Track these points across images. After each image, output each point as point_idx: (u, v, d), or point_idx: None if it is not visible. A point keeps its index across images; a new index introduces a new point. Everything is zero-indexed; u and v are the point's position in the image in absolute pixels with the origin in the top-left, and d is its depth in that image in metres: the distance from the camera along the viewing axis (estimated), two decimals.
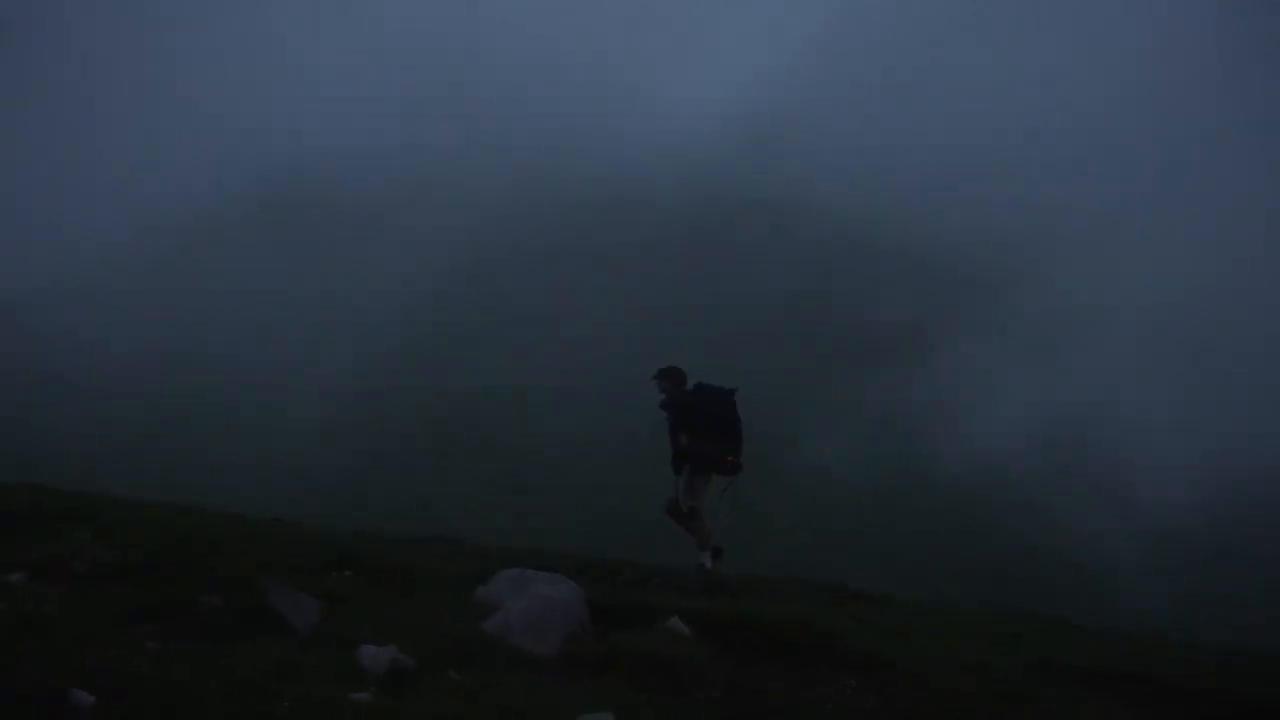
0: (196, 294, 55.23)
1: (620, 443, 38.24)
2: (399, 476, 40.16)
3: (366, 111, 69.77)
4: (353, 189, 63.11)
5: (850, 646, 6.64)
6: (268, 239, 58.37)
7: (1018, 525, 38.78)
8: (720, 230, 59.16)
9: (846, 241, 56.83)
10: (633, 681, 5.81)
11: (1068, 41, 68.37)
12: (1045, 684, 6.26)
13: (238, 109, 70.60)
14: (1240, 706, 6.54)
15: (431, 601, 6.50)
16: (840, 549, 35.40)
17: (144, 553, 6.44)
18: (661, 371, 10.01)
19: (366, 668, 5.34)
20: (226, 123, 69.32)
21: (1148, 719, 6.07)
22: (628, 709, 5.25)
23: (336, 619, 6.05)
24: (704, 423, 9.53)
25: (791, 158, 63.32)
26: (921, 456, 43.16)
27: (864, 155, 61.87)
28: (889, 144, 63.53)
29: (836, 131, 65.04)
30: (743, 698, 5.64)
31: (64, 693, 4.51)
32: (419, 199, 60.38)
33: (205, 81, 70.25)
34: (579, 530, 33.92)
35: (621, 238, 59.66)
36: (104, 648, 5.20)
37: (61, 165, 63.28)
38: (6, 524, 6.78)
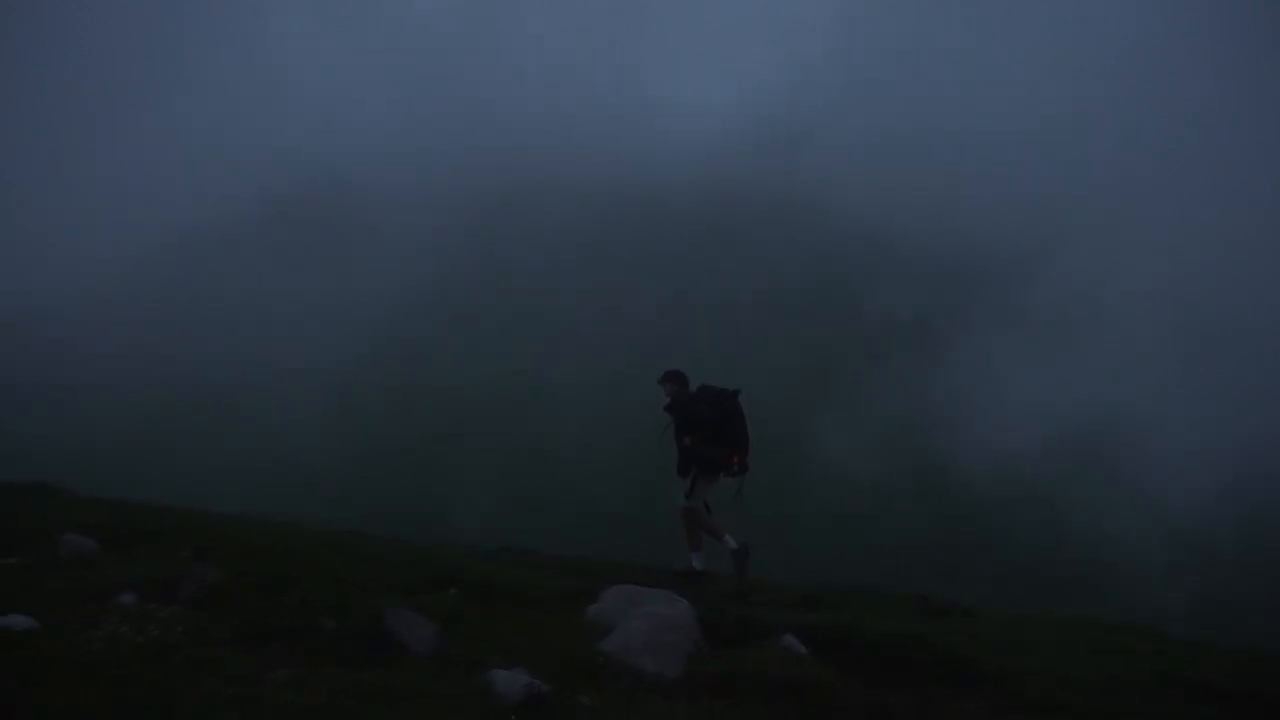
0: (204, 300, 55.24)
1: (631, 443, 38.27)
2: (407, 478, 40.18)
3: (376, 115, 69.70)
4: (362, 192, 63.05)
5: (968, 663, 6.51)
6: (275, 245, 58.32)
7: (1034, 524, 38.49)
8: (733, 229, 58.97)
9: (860, 237, 56.53)
10: (766, 706, 5.69)
11: (1082, 35, 67.96)
12: (1176, 702, 6.11)
13: (241, 115, 70.60)
14: None
15: (543, 619, 6.38)
16: (853, 549, 35.25)
17: (250, 573, 6.32)
18: (666, 375, 9.99)
19: (501, 693, 5.21)
20: (229, 130, 69.30)
21: None
22: None
23: (453, 640, 5.94)
24: (709, 425, 9.47)
25: (806, 156, 63.14)
26: (936, 454, 42.91)
27: (879, 152, 61.63)
28: (903, 140, 63.25)
29: (851, 129, 64.79)
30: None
31: None
32: (431, 202, 60.20)
33: (206, 90, 70.18)
34: (588, 533, 33.91)
35: (634, 237, 59.50)
36: (233, 675, 5.08)
37: (58, 175, 63.25)
38: (107, 544, 6.68)
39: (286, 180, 61.83)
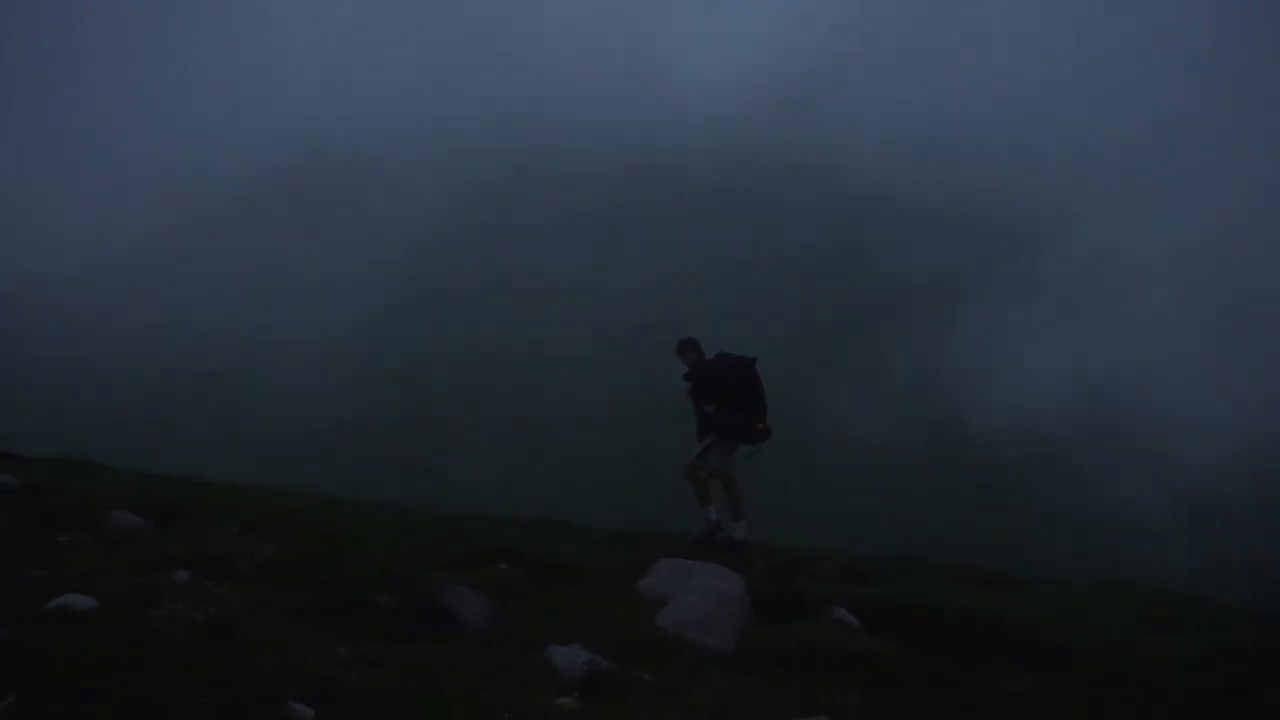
0: (218, 272, 55.23)
1: (646, 410, 38.28)
2: (418, 445, 40.33)
3: (389, 84, 69.12)
4: (375, 162, 62.76)
5: (1021, 634, 6.46)
6: (289, 215, 58.18)
7: (1052, 488, 38.39)
8: (747, 193, 58.61)
9: (877, 202, 56.13)
10: (824, 678, 5.65)
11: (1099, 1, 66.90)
12: (1237, 676, 6.04)
13: (254, 84, 70.13)
14: None
15: (595, 594, 6.35)
16: (871, 515, 35.25)
17: (302, 549, 6.30)
18: (682, 344, 10.02)
19: (561, 670, 5.19)
20: (242, 100, 68.91)
21: None
22: (836, 710, 5.09)
23: (508, 615, 5.92)
24: (728, 390, 9.51)
25: (823, 119, 62.58)
26: (952, 419, 42.81)
27: (894, 117, 61.03)
28: (919, 104, 62.57)
29: (866, 93, 64.09)
30: (946, 694, 5.46)
31: (283, 704, 4.37)
32: (444, 170, 59.92)
33: (219, 61, 69.71)
34: (603, 501, 34.01)
35: (647, 203, 59.20)
36: (297, 651, 5.07)
37: (72, 152, 63.06)
38: (154, 520, 6.66)
39: (300, 150, 61.57)
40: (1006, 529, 35.18)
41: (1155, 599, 8.24)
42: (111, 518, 6.54)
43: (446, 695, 4.73)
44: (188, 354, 47.68)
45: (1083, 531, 35.62)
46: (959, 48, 66.71)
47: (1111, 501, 37.78)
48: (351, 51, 73.15)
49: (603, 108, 66.41)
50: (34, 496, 6.89)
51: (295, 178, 60.48)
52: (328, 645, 5.24)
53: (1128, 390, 42.53)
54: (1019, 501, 37.34)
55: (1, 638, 4.82)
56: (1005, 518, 36.30)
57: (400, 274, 53.82)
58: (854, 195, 56.69)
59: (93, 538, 6.31)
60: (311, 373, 45.48)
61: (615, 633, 5.79)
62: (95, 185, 60.66)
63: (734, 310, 49.32)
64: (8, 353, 46.39)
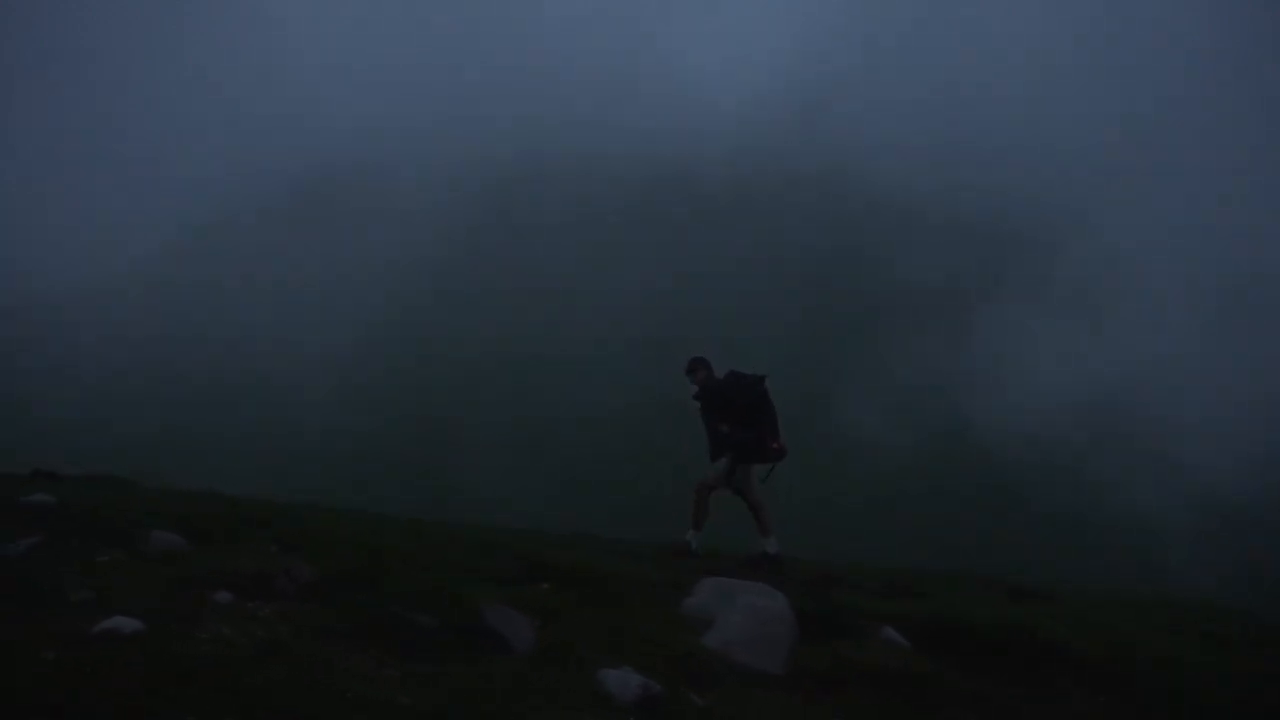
0: (227, 285, 55.31)
1: (654, 411, 38.28)
2: (428, 454, 40.31)
3: (398, 92, 69.25)
4: (384, 170, 62.81)
5: (1070, 652, 6.38)
6: (299, 226, 58.28)
7: (1062, 494, 38.29)
8: (758, 198, 58.57)
9: (883, 205, 56.05)
10: (876, 699, 5.59)
11: (1111, 4, 66.85)
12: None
13: (263, 92, 70.22)
14: None
15: (639, 614, 6.28)
16: (879, 520, 35.19)
17: (342, 568, 6.24)
18: (693, 363, 10.03)
19: (613, 693, 5.12)
20: (253, 112, 69.00)
21: None
22: None
23: (553, 636, 5.85)
24: (737, 408, 9.53)
25: (829, 122, 62.57)
26: (963, 423, 42.72)
27: (904, 120, 61.00)
28: (925, 106, 62.64)
29: (873, 95, 64.14)
30: (1000, 715, 5.39)
31: None
32: (455, 177, 59.95)
33: (224, 69, 69.89)
34: (607, 502, 33.98)
35: (658, 208, 59.23)
36: (348, 674, 5.01)
37: (74, 160, 63.16)
38: (192, 538, 6.60)
39: (306, 158, 61.71)
40: (1014, 533, 35.10)
41: (1198, 613, 8.17)
42: (151, 537, 6.48)
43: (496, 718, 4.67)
44: (192, 363, 47.79)
45: (1091, 536, 35.51)
46: (964, 50, 66.78)
47: (1120, 506, 37.65)
48: (355, 58, 73.39)
49: (607, 111, 66.49)
50: (70, 514, 6.84)
51: (301, 185, 60.55)
52: (376, 667, 5.18)
53: (1136, 394, 42.42)
54: (1027, 506, 37.23)
55: (49, 660, 4.77)
56: (1013, 522, 36.21)
57: (406, 279, 53.89)
58: (859, 198, 56.60)
59: (132, 557, 6.26)
60: (317, 379, 45.55)
61: (662, 654, 5.73)
62: (99, 195, 60.83)
63: (739, 314, 49.36)
64: (9, 366, 46.52)
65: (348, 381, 45.91)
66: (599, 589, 6.55)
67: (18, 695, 4.46)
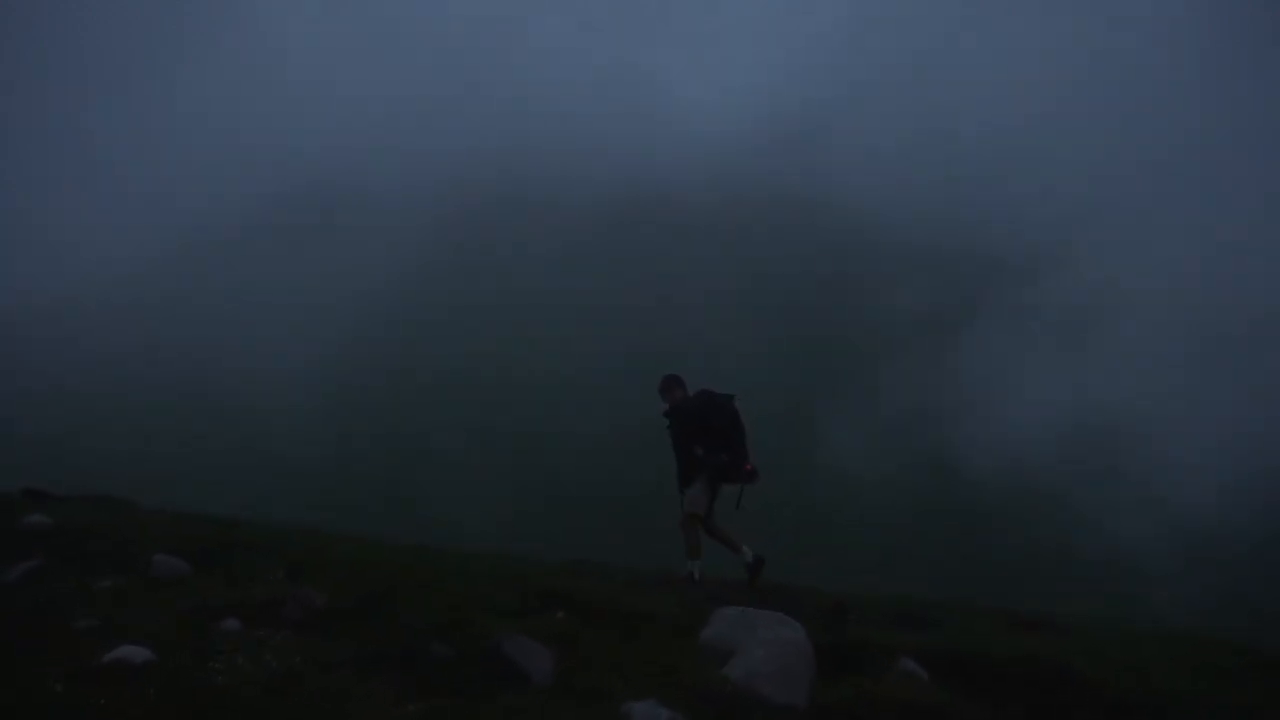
0: (209, 301, 54.94)
1: (632, 436, 38.14)
2: (404, 474, 40.00)
3: (381, 112, 69.26)
4: (367, 190, 62.65)
5: (1089, 684, 6.30)
6: (282, 244, 57.97)
7: (1044, 523, 38.29)
8: (743, 225, 58.73)
9: (869, 233, 56.33)
10: None
11: (1091, 28, 67.73)
12: None
13: (246, 113, 70.05)
14: None
15: (657, 644, 6.16)
16: (858, 549, 35.07)
17: (352, 596, 6.09)
18: (667, 380, 9.79)
19: None
20: (234, 128, 68.79)
21: None
22: None
23: (572, 667, 5.72)
24: (717, 430, 9.34)
25: (816, 152, 62.93)
26: (945, 452, 42.73)
27: (890, 149, 61.46)
28: (915, 138, 63.07)
29: (862, 126, 64.62)
30: None
31: None
32: (442, 200, 59.81)
33: (209, 89, 69.67)
34: (587, 532, 33.76)
35: (642, 233, 59.31)
36: (366, 707, 4.86)
37: (60, 180, 62.76)
38: (199, 563, 6.42)
39: (294, 179, 61.50)
40: (995, 562, 35.04)
41: (1207, 647, 8.11)
42: (154, 561, 6.30)
43: None
44: (165, 381, 47.27)
45: (1072, 565, 35.51)
46: (954, 81, 67.41)
47: (1101, 535, 37.67)
48: (339, 77, 73.32)
49: (590, 136, 66.61)
50: (69, 538, 6.65)
51: (282, 202, 60.31)
52: (396, 701, 5.03)
53: (1118, 424, 42.55)
54: (1007, 535, 37.20)
55: (57, 692, 4.60)
56: (993, 551, 36.14)
57: (384, 297, 53.62)
58: (847, 227, 56.85)
59: (135, 583, 6.08)
60: (291, 397, 45.12)
61: (685, 687, 5.61)
62: (75, 211, 60.35)
63: (719, 339, 49.33)
64: None
65: (322, 399, 45.54)
66: (614, 618, 6.42)
67: None
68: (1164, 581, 34.66)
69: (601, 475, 39.08)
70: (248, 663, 5.13)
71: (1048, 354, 46.57)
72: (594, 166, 62.33)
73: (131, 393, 46.08)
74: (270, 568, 6.57)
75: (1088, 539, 37.26)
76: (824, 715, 5.67)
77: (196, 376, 47.65)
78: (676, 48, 76.86)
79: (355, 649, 5.54)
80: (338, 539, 7.90)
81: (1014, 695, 6.19)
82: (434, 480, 39.49)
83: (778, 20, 77.82)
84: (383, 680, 5.26)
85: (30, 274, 53.84)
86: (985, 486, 40.30)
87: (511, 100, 70.45)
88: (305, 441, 41.86)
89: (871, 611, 8.16)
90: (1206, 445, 39.93)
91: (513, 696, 5.21)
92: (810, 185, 59.80)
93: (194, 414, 45.01)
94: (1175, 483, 39.31)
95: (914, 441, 43.11)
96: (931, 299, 51.32)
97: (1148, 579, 34.96)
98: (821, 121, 66.47)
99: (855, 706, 5.76)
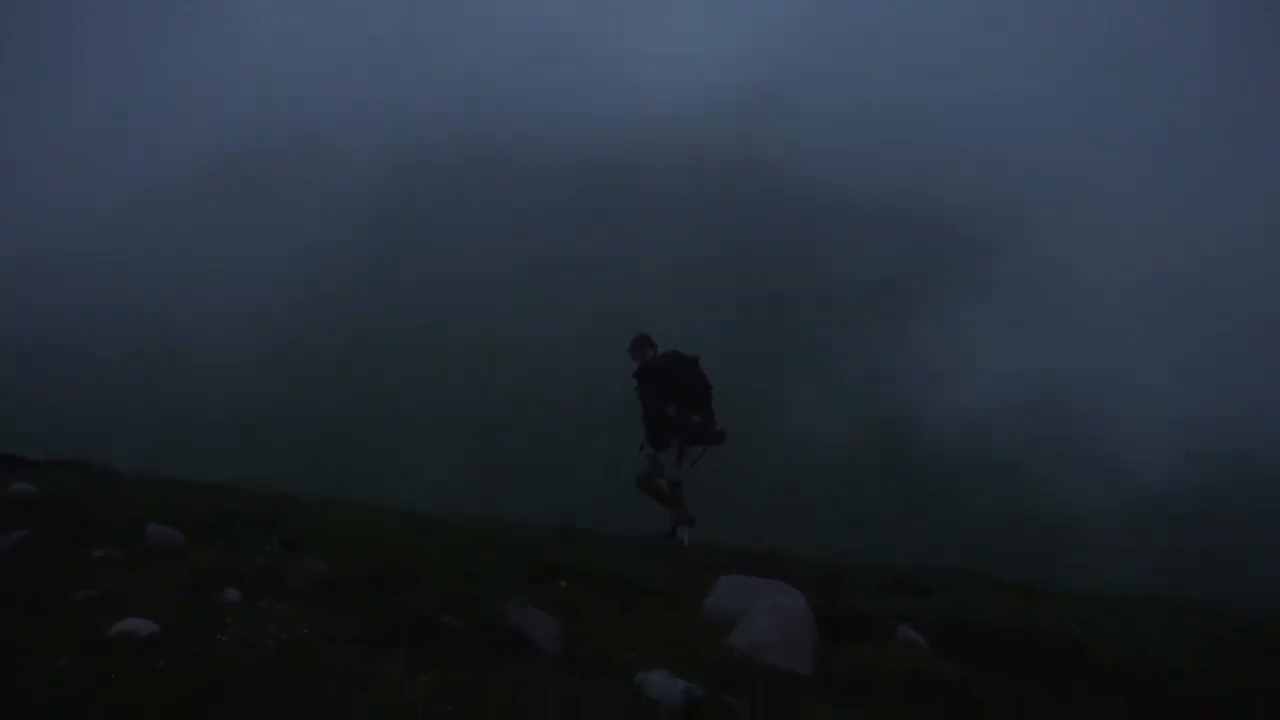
0: (164, 256, 53.92)
1: (595, 402, 38.26)
2: (362, 437, 39.79)
3: (344, 70, 68.01)
4: (325, 145, 61.53)
5: (1093, 656, 6.39)
6: (239, 198, 56.90)
7: (1000, 491, 39.04)
8: (704, 190, 58.62)
9: (831, 202, 56.53)
10: (907, 704, 5.54)
11: (1060, 11, 68.20)
12: None
13: (201, 70, 68.38)
14: None
15: (660, 614, 6.16)
16: (820, 516, 35.52)
17: (354, 565, 6.01)
18: (637, 341, 9.78)
19: (656, 699, 4.97)
20: (186, 86, 67.19)
21: None
22: None
23: (579, 637, 5.70)
24: (687, 391, 9.34)
25: (778, 120, 63.04)
26: (903, 421, 43.31)
27: (854, 118, 61.78)
28: (880, 107, 63.45)
29: (825, 95, 64.80)
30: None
31: None
32: (404, 164, 58.93)
33: (165, 43, 67.92)
34: (538, 488, 33.86)
35: (604, 197, 59.00)
36: (381, 682, 4.80)
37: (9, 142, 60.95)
38: (190, 532, 6.29)
39: (245, 131, 60.22)
40: (950, 528, 35.68)
41: (1205, 618, 8.26)
42: (147, 531, 6.16)
43: None
44: (119, 338, 46.44)
45: (1026, 530, 36.25)
46: (916, 52, 67.71)
47: (1060, 502, 38.52)
48: (300, 38, 71.77)
49: (555, 102, 66.02)
50: (58, 508, 6.48)
51: (237, 158, 59.07)
52: (407, 673, 4.98)
53: (1073, 392, 43.39)
54: (963, 501, 37.88)
55: (63, 667, 4.49)
56: (949, 516, 36.80)
57: (345, 261, 52.98)
58: (808, 196, 56.97)
59: (129, 554, 5.94)
60: (240, 354, 44.61)
61: (693, 656, 5.61)
62: (21, 180, 58.75)
63: (680, 304, 49.43)
64: None
65: (273, 357, 45.04)
66: (616, 588, 6.41)
67: (34, 705, 4.19)
68: (1115, 545, 35.54)
69: (557, 439, 39.15)
70: (253, 634, 5.05)
71: (1004, 324, 47.27)
72: (556, 131, 61.92)
73: (83, 350, 45.26)
74: (266, 538, 6.47)
75: (1041, 504, 38.09)
76: (828, 683, 5.71)
77: (145, 334, 46.86)
78: (639, 14, 76.21)
79: (361, 620, 5.48)
80: (331, 507, 7.79)
81: (1014, 665, 6.28)
82: (392, 440, 39.32)
83: None
84: (391, 651, 5.21)
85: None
86: (942, 454, 40.96)
87: (474, 63, 69.56)
88: (258, 400, 41.41)
89: (863, 579, 8.22)
90: (1157, 414, 40.91)
91: (522, 667, 5.18)
92: (773, 152, 59.79)
93: (143, 372, 44.35)
94: (1126, 450, 40.28)
95: (870, 408, 43.63)
96: (892, 268, 51.79)
97: (1099, 543, 35.85)
98: (785, 89, 66.53)
99: (858, 674, 5.81)
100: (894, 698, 5.65)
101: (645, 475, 9.49)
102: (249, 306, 48.26)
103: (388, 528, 6.90)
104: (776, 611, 6.11)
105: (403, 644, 5.32)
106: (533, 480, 35.52)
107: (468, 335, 47.86)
